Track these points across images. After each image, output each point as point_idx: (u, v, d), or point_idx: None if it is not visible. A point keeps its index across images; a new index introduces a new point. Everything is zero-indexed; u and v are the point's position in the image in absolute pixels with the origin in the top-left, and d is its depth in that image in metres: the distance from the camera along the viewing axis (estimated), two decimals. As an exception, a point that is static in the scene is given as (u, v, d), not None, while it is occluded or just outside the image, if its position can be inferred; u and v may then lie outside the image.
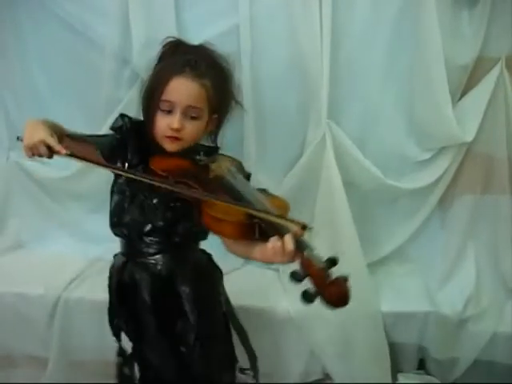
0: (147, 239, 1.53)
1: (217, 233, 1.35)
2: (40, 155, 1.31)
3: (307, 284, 1.14)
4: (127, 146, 1.51)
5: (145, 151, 1.50)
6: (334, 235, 2.04)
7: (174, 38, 1.58)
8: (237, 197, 1.35)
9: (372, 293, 2.10)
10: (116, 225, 1.57)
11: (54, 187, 2.32)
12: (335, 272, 1.17)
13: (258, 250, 1.28)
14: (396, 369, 2.17)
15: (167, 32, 1.93)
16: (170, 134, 1.44)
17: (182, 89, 1.42)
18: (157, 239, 1.53)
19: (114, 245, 2.26)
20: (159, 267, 1.54)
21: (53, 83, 2.20)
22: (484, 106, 2.00)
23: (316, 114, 1.98)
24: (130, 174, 1.44)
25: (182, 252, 1.57)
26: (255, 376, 1.74)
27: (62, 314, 2.11)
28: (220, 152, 1.65)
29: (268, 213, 1.27)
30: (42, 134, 1.30)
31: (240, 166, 1.61)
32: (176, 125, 1.42)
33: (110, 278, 1.65)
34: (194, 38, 1.94)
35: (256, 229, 1.28)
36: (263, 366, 2.06)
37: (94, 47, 2.04)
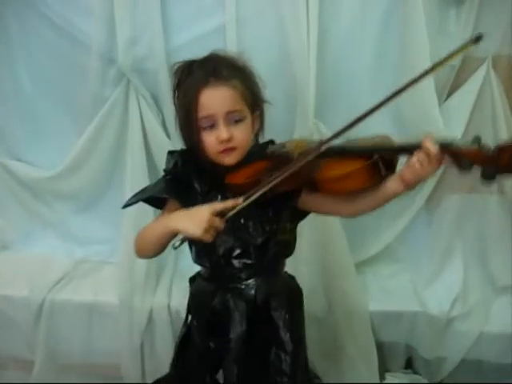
0: (238, 263, 1.43)
1: (346, 191, 1.26)
2: (217, 228, 1.25)
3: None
4: (190, 178, 1.44)
5: (207, 177, 1.43)
6: (321, 235, 2.03)
7: (182, 61, 1.46)
8: (342, 150, 1.30)
9: (360, 292, 2.10)
10: (202, 254, 1.47)
11: (39, 187, 2.31)
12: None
13: (395, 179, 1.22)
14: (384, 368, 2.18)
15: (153, 31, 1.94)
16: (222, 147, 1.36)
17: (215, 98, 1.34)
18: (249, 262, 1.43)
19: (100, 245, 2.27)
20: (253, 292, 1.45)
21: (38, 82, 2.18)
22: (470, 106, 2.00)
23: (303, 113, 1.97)
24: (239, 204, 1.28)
25: (275, 273, 1.50)
26: None
27: (48, 316, 2.10)
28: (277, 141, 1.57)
29: (382, 144, 1.25)
30: (204, 209, 1.24)
31: (308, 141, 1.50)
32: (225, 135, 1.34)
33: (195, 306, 1.56)
34: (180, 38, 1.96)
35: (380, 165, 1.21)
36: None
37: (80, 46, 2.02)
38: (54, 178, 2.24)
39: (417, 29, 1.87)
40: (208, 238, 1.23)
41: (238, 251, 1.42)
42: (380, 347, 2.12)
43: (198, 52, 1.96)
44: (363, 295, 2.10)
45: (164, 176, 1.46)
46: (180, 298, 2.06)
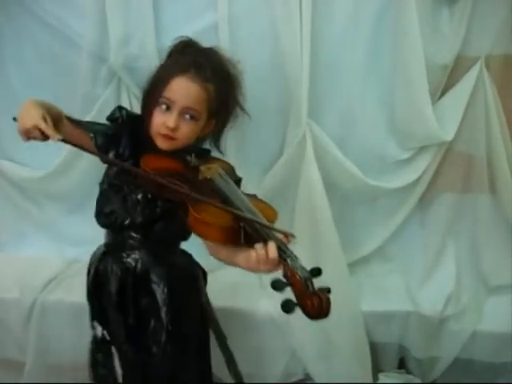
0: (126, 233, 1.54)
1: (201, 236, 1.33)
2: (34, 139, 1.32)
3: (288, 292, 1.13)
4: (121, 138, 1.51)
5: (137, 146, 1.50)
6: (314, 235, 2.03)
7: (186, 37, 1.56)
8: (225, 200, 1.34)
9: (352, 292, 2.09)
10: (99, 214, 1.57)
11: (29, 188, 2.29)
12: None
13: (242, 256, 1.26)
14: (377, 368, 2.18)
15: (145, 30, 1.93)
16: (164, 131, 1.44)
17: (183, 88, 1.42)
18: (136, 235, 1.53)
19: (92, 246, 2.24)
20: (133, 263, 1.54)
21: (29, 81, 2.15)
22: (463, 106, 2.00)
23: (296, 113, 1.97)
24: (119, 164, 1.46)
25: (160, 251, 1.57)
26: (236, 380, 1.72)
27: (39, 317, 2.09)
28: (212, 155, 1.64)
29: (254, 219, 1.26)
30: (36, 119, 1.30)
31: (231, 170, 1.61)
32: (172, 124, 1.42)
33: (90, 265, 1.67)
34: (172, 36, 1.94)
35: (241, 234, 1.26)
36: (244, 366, 2.05)
37: (71, 45, 2.01)
38: (45, 178, 2.22)
39: (410, 29, 1.87)
40: (23, 136, 1.33)
41: (127, 222, 1.51)
42: (373, 347, 2.12)
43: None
44: (356, 295, 2.10)
45: (109, 125, 1.56)
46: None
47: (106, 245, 1.63)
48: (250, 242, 1.24)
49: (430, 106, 1.97)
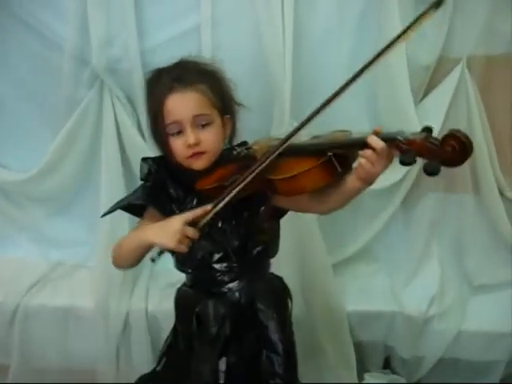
0: (220, 267, 1.43)
1: (303, 190, 1.24)
2: (190, 238, 1.23)
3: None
4: (166, 185, 1.44)
5: (185, 181, 1.42)
6: (298, 236, 2.03)
7: (153, 70, 1.46)
8: (300, 148, 1.30)
9: (337, 293, 2.10)
10: (182, 261, 1.45)
11: (12, 191, 2.28)
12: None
13: (352, 177, 1.19)
14: (362, 368, 2.18)
15: (127, 32, 1.92)
16: (190, 152, 1.35)
17: (179, 104, 1.34)
18: (230, 265, 1.43)
19: (76, 248, 2.24)
20: (237, 294, 1.44)
21: (11, 84, 2.14)
22: (446, 106, 2.01)
23: (279, 113, 1.97)
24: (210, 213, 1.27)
25: (259, 275, 1.49)
26: None
27: (22, 321, 2.08)
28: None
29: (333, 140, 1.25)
30: (175, 219, 1.24)
31: (275, 139, 1.47)
32: (191, 140, 1.33)
33: (180, 312, 1.54)
34: (155, 38, 1.94)
35: (334, 162, 1.19)
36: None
37: (53, 47, 2.00)
38: (28, 180, 2.20)
39: (392, 31, 1.86)
40: (182, 248, 1.22)
41: (217, 255, 1.41)
42: (358, 347, 2.12)
43: (173, 53, 1.95)
44: (341, 295, 2.11)
45: (142, 184, 1.45)
46: (157, 302, 2.05)
47: (196, 286, 1.50)
48: (347, 167, 1.21)
49: (413, 106, 1.98)
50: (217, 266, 1.42)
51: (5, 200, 2.30)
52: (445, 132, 1.06)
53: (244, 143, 1.53)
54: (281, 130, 1.98)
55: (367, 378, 2.18)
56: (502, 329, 2.07)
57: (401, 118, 1.99)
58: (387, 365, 2.26)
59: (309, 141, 1.36)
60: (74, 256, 2.30)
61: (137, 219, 1.47)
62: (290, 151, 1.26)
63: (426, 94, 2.07)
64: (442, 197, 2.16)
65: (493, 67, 2.02)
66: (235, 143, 1.51)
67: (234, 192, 1.23)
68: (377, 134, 1.14)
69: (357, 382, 2.13)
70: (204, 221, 1.23)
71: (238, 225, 1.40)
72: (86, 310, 2.06)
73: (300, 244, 2.02)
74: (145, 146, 2.03)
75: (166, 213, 1.38)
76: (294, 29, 1.87)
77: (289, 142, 1.26)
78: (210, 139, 1.36)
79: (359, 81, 1.99)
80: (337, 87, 1.99)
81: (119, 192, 2.07)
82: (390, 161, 1.14)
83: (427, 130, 1.10)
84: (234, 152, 1.44)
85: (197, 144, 1.34)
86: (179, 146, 1.35)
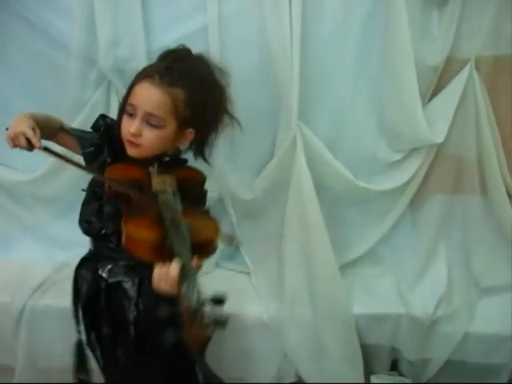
0: (104, 242, 1.53)
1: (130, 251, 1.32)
2: (20, 146, 1.34)
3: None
4: (103, 147, 1.50)
5: (120, 154, 1.47)
6: (305, 237, 2.02)
7: (179, 45, 1.54)
8: (160, 214, 1.32)
9: (344, 295, 2.09)
10: (80, 221, 1.56)
11: (17, 191, 2.27)
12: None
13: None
14: (369, 370, 2.17)
15: (134, 32, 1.92)
16: (128, 138, 1.42)
17: (144, 94, 1.40)
18: (111, 245, 1.51)
19: (81, 249, 2.22)
20: (106, 275, 1.55)
21: (17, 84, 2.14)
22: (454, 107, 2.01)
23: (286, 115, 1.97)
24: (85, 169, 1.47)
25: (133, 262, 1.53)
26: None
27: (28, 322, 2.07)
28: (188, 165, 1.61)
29: (171, 236, 1.26)
30: (24, 127, 1.34)
31: (200, 182, 1.58)
32: (132, 129, 1.40)
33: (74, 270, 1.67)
34: (162, 39, 1.94)
35: (167, 253, 1.25)
36: (236, 370, 2.06)
37: (60, 47, 2.00)
38: (34, 181, 2.20)
39: (399, 30, 1.87)
40: (10, 143, 1.36)
41: (102, 232, 1.50)
42: (365, 349, 2.11)
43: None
44: (347, 297, 2.09)
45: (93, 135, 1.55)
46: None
47: (89, 251, 1.66)
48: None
49: (421, 107, 1.97)
50: (103, 241, 1.53)
51: (10, 200, 2.30)
52: None
53: (182, 161, 1.60)
54: (287, 132, 1.98)
55: (374, 379, 2.17)
56: (510, 331, 2.06)
57: (408, 118, 1.98)
58: (394, 367, 2.25)
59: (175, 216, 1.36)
60: (79, 257, 2.28)
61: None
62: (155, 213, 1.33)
63: (433, 95, 2.06)
64: (449, 198, 2.15)
65: (501, 68, 2.01)
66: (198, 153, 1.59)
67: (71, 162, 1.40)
68: (195, 266, 1.23)
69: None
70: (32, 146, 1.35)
71: (116, 211, 1.43)
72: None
73: (306, 246, 2.01)
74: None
75: (88, 161, 1.51)
76: (301, 30, 1.86)
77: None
78: (150, 139, 1.42)
79: (366, 82, 2.01)
80: (343, 88, 2.02)
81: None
82: (174, 293, 1.20)
83: (217, 301, 1.17)
84: (150, 168, 1.47)
85: (135, 135, 1.40)
86: (125, 126, 1.43)
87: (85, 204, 1.56)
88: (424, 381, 2.20)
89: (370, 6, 1.93)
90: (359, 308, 2.08)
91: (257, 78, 1.97)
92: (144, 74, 1.43)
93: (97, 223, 1.50)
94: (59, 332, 2.08)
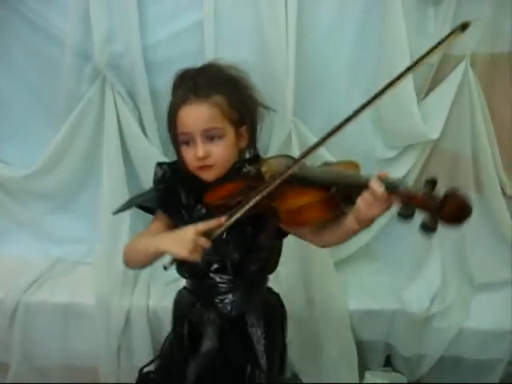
0: (216, 277, 1.45)
1: (304, 224, 1.27)
2: (202, 247, 1.24)
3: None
4: (178, 191, 1.45)
5: (196, 188, 1.42)
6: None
7: (181, 70, 1.46)
8: (303, 180, 1.27)
9: (339, 291, 2.10)
10: (180, 267, 1.47)
11: (13, 186, 2.26)
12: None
13: (351, 217, 1.18)
14: (363, 366, 2.19)
15: (129, 28, 1.91)
16: (199, 164, 1.37)
17: (191, 116, 1.35)
18: (227, 277, 1.45)
19: (76, 245, 2.23)
20: (229, 307, 1.46)
21: (13, 79, 2.14)
22: (449, 104, 2.01)
23: (281, 111, 1.95)
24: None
25: (253, 290, 1.50)
26: None
27: (23, 318, 2.07)
28: (262, 157, 1.56)
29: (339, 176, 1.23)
30: (189, 229, 1.24)
31: (287, 159, 1.51)
32: (200, 153, 1.34)
33: (177, 317, 1.57)
34: (157, 34, 1.93)
35: (337, 199, 1.20)
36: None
37: (55, 43, 1.99)
38: (29, 176, 2.20)
39: (395, 27, 1.87)
40: (195, 257, 1.23)
41: (216, 266, 1.42)
42: (359, 345, 2.12)
43: (175, 49, 1.95)
44: (343, 294, 2.10)
45: (155, 186, 1.48)
46: (158, 299, 2.04)
47: (193, 292, 1.53)
48: (350, 203, 1.17)
49: (416, 104, 1.97)
50: (214, 276, 1.44)
51: (5, 196, 2.30)
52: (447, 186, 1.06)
53: (256, 157, 1.53)
54: (283, 128, 1.98)
55: (368, 376, 2.18)
56: (504, 327, 2.07)
57: (404, 114, 1.98)
58: (388, 363, 2.26)
59: (317, 169, 1.36)
60: (74, 253, 2.29)
61: (138, 219, 1.47)
62: (296, 179, 1.26)
63: (429, 92, 2.06)
64: (445, 195, 2.15)
65: (496, 65, 2.01)
66: (252, 151, 1.52)
67: (242, 212, 1.23)
68: (381, 178, 1.13)
69: (358, 380, 2.13)
70: (217, 232, 1.24)
71: (241, 239, 1.39)
72: (87, 307, 2.05)
73: (302, 242, 2.01)
74: (146, 142, 2.04)
75: (176, 218, 1.40)
76: (297, 26, 1.86)
77: (293, 169, 1.25)
78: (220, 153, 1.37)
79: (361, 78, 2.01)
80: (339, 85, 2.02)
81: (120, 188, 2.08)
82: (387, 208, 1.13)
83: (431, 183, 1.09)
84: (244, 170, 1.43)
85: (206, 157, 1.35)
86: (189, 156, 1.37)
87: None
88: (418, 377, 2.21)
89: (366, 2, 1.93)
90: (354, 304, 2.08)
91: (252, 72, 1.94)
92: (179, 102, 1.37)
93: (209, 258, 1.40)
94: (53, 328, 2.09)
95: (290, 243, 2.00)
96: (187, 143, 1.37)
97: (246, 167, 1.43)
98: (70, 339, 2.08)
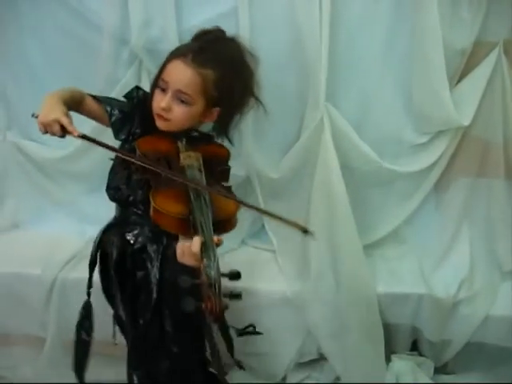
0: (131, 209, 1.62)
1: (158, 223, 1.37)
2: (53, 133, 1.39)
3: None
4: (134, 117, 1.60)
5: (148, 126, 1.56)
6: (330, 217, 2.04)
7: (217, 26, 1.61)
8: (185, 191, 1.37)
9: (367, 274, 2.11)
10: (107, 188, 1.66)
11: (50, 167, 2.31)
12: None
13: (177, 245, 1.33)
14: (390, 350, 2.20)
15: (166, 12, 1.93)
16: (159, 111, 1.52)
17: (176, 72, 1.49)
18: (138, 211, 1.60)
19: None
20: (133, 239, 1.61)
21: (50, 63, 2.17)
22: (481, 91, 2.00)
23: (314, 96, 1.98)
24: (117, 151, 1.53)
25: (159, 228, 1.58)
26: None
27: (59, 295, 2.12)
28: (215, 141, 1.70)
29: (196, 213, 1.30)
30: (58, 114, 1.38)
31: (225, 157, 1.66)
32: (163, 104, 1.49)
33: (97, 235, 1.74)
34: (193, 19, 1.95)
35: (191, 226, 1.29)
36: (259, 346, 2.09)
37: (93, 27, 2.02)
38: (66, 158, 2.25)
39: (429, 14, 1.86)
40: (42, 130, 1.41)
41: (130, 198, 1.60)
42: (386, 328, 2.13)
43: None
44: (371, 276, 2.12)
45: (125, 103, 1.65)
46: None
47: (114, 218, 1.72)
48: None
49: (448, 90, 1.97)
50: (130, 207, 1.62)
51: (42, 176, 2.35)
52: None
53: (208, 137, 1.69)
54: (315, 112, 2.00)
55: (394, 359, 2.20)
56: (531, 315, 2.07)
57: (436, 101, 1.98)
58: (414, 347, 2.28)
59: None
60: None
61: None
62: (181, 187, 1.38)
63: (461, 79, 2.06)
64: (474, 181, 2.16)
65: (529, 52, 2.00)
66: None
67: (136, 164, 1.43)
68: (215, 241, 1.23)
69: (384, 363, 2.15)
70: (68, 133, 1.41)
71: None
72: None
73: (332, 225, 2.03)
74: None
75: (116, 131, 1.60)
76: (330, 11, 1.86)
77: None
78: (179, 115, 1.52)
79: (393, 65, 2.01)
80: (371, 71, 2.02)
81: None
82: (196, 264, 1.22)
83: (234, 275, 1.21)
84: (179, 143, 1.58)
85: (166, 110, 1.50)
86: (156, 101, 1.53)
87: (112, 171, 1.64)
88: (444, 361, 2.23)
89: (400, -10, 1.93)
90: (382, 287, 2.10)
91: (286, 58, 1.97)
92: (178, 52, 1.50)
93: (125, 190, 1.59)
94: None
95: (319, 225, 2.04)
96: (162, 90, 1.51)
97: (182, 142, 1.58)
98: (103, 315, 2.12)
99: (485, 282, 2.16)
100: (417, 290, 2.12)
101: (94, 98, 1.62)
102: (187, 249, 1.24)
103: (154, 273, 1.58)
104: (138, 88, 1.68)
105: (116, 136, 1.61)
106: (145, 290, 1.60)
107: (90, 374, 1.99)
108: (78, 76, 2.15)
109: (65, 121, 1.37)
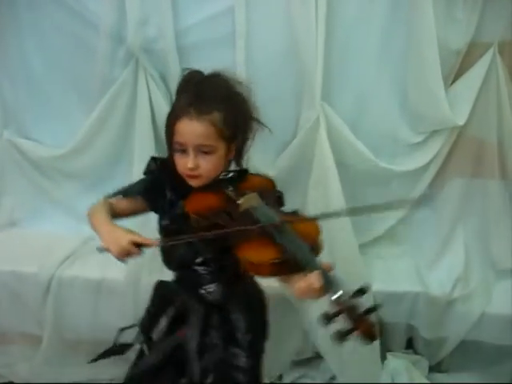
0: (200, 269, 1.55)
1: (255, 274, 1.39)
2: (134, 256, 1.38)
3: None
4: (164, 185, 1.56)
5: (182, 186, 1.53)
6: (326, 216, 2.04)
7: (189, 69, 1.58)
8: (266, 234, 1.34)
9: (363, 273, 2.12)
10: (169, 263, 1.61)
11: (47, 166, 2.32)
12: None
13: (292, 287, 1.27)
14: (385, 348, 2.21)
15: (162, 12, 1.93)
16: (187, 172, 1.48)
17: (189, 130, 1.44)
18: (210, 269, 1.55)
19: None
20: (212, 296, 1.56)
21: (47, 61, 2.18)
22: (476, 91, 2.01)
23: (310, 95, 1.99)
24: (202, 236, 1.41)
25: (235, 280, 1.58)
26: None
27: (56, 293, 2.13)
28: (251, 173, 1.67)
29: (294, 250, 1.26)
30: (127, 236, 1.37)
31: (272, 186, 1.65)
32: (190, 164, 1.45)
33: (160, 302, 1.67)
34: (190, 18, 1.96)
35: (291, 264, 1.25)
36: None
37: (89, 26, 2.02)
38: (63, 156, 2.25)
39: (424, 14, 1.87)
40: (122, 260, 1.38)
41: (200, 259, 1.54)
42: (381, 327, 2.14)
43: (207, 33, 1.97)
44: (366, 276, 2.12)
45: (143, 178, 1.62)
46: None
47: (177, 282, 1.65)
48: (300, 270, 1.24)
49: (443, 90, 1.98)
50: (197, 268, 1.55)
51: (39, 174, 2.35)
52: None
53: (245, 171, 1.66)
54: (311, 112, 2.00)
55: (389, 357, 2.21)
56: (526, 313, 2.08)
57: (431, 100, 1.99)
58: (410, 345, 2.29)
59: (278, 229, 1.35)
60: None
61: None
62: (262, 232, 1.34)
63: (456, 79, 2.07)
64: (469, 181, 2.17)
65: (524, 52, 2.00)
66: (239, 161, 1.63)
67: (187, 240, 1.40)
68: (327, 268, 1.21)
69: (380, 361, 2.16)
70: (146, 247, 1.38)
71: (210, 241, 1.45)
72: (118, 283, 2.11)
73: (328, 224, 2.02)
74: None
75: (154, 206, 1.57)
76: (326, 11, 1.87)
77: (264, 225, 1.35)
78: (208, 167, 1.48)
79: (389, 65, 2.02)
80: (367, 71, 2.03)
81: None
82: (320, 297, 1.19)
83: (361, 291, 1.17)
84: (227, 191, 1.54)
85: (194, 169, 1.47)
86: (181, 163, 1.49)
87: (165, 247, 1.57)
88: (439, 359, 2.24)
89: (395, -11, 1.94)
90: (377, 286, 2.09)
91: (281, 58, 1.98)
92: (178, 113, 1.46)
93: (191, 254, 1.54)
94: (85, 303, 2.14)
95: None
96: (181, 151, 1.47)
97: (229, 189, 1.55)
98: (100, 314, 2.14)
99: (479, 281, 2.18)
100: (412, 288, 2.14)
101: (115, 196, 1.60)
102: (307, 287, 1.19)
103: (242, 326, 1.58)
104: (154, 159, 1.63)
105: (156, 211, 1.59)
106: (231, 346, 1.57)
107: (90, 374, 2.00)
108: (74, 75, 2.16)
109: (138, 238, 1.37)
